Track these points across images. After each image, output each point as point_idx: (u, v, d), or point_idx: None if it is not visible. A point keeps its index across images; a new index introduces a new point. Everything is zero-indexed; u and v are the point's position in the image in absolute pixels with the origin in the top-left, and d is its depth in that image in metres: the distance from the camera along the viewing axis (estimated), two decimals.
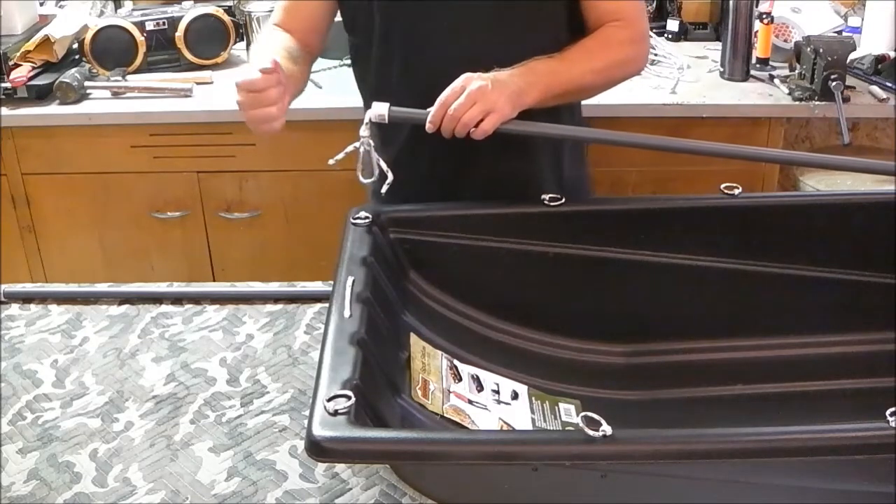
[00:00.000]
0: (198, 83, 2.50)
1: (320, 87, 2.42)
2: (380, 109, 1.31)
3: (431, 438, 1.02)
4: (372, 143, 1.29)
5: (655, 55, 2.58)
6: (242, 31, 2.66)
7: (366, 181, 1.32)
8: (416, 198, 1.43)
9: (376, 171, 1.31)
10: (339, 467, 1.24)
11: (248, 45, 2.65)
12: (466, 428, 1.19)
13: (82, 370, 1.46)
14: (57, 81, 2.40)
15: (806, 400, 1.36)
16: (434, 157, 1.52)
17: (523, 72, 1.38)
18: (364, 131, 1.30)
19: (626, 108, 2.31)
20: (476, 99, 1.30)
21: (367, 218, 1.34)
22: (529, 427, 1.24)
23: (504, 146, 1.40)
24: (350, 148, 1.30)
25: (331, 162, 1.28)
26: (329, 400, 0.97)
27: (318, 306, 1.58)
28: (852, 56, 2.42)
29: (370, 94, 1.57)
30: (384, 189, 1.32)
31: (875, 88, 2.40)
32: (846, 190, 1.54)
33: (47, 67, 2.50)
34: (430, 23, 1.48)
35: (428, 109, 1.33)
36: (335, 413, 0.96)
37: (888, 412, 0.94)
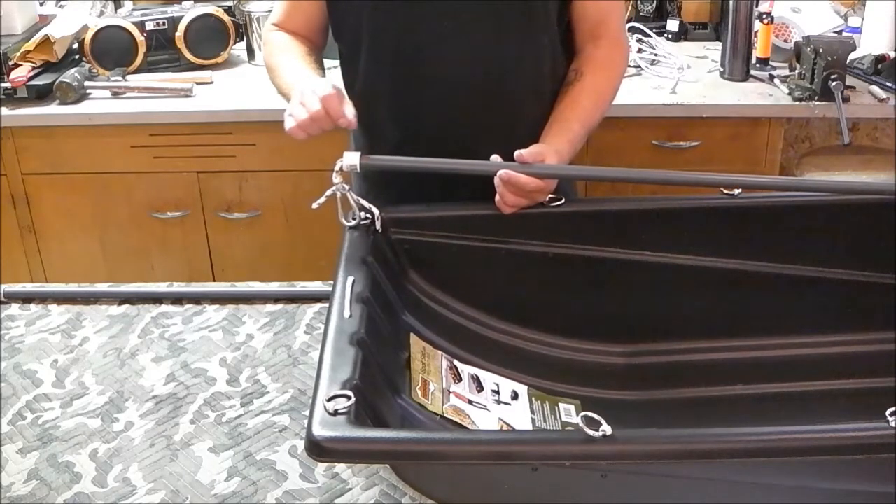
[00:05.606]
0: (198, 83, 2.50)
1: None
2: (351, 159, 1.30)
3: (431, 438, 1.02)
4: (347, 187, 1.30)
5: (655, 55, 2.58)
6: (242, 31, 2.66)
7: (348, 224, 1.33)
8: (409, 197, 1.42)
9: (358, 212, 1.33)
10: (339, 467, 1.24)
11: (248, 45, 2.66)
12: (466, 428, 1.19)
13: (82, 370, 1.46)
14: (57, 81, 2.40)
15: (806, 400, 1.36)
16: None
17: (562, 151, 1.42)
18: (336, 178, 1.29)
19: (627, 108, 2.31)
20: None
21: (366, 218, 1.34)
22: (529, 427, 1.24)
23: (498, 146, 1.39)
24: (329, 192, 1.30)
25: (314, 206, 1.29)
26: (329, 400, 0.97)
27: (318, 306, 1.58)
28: (852, 56, 2.42)
29: (358, 100, 1.57)
30: (379, 226, 1.33)
31: (875, 88, 2.40)
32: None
33: (47, 67, 2.50)
34: (421, 26, 1.47)
35: (400, 157, 1.36)
36: (335, 413, 0.96)
37: (888, 412, 0.94)
